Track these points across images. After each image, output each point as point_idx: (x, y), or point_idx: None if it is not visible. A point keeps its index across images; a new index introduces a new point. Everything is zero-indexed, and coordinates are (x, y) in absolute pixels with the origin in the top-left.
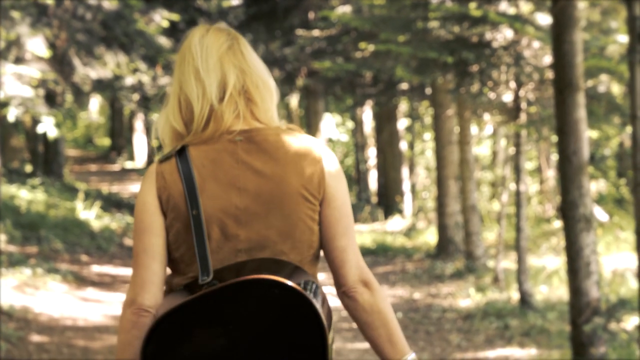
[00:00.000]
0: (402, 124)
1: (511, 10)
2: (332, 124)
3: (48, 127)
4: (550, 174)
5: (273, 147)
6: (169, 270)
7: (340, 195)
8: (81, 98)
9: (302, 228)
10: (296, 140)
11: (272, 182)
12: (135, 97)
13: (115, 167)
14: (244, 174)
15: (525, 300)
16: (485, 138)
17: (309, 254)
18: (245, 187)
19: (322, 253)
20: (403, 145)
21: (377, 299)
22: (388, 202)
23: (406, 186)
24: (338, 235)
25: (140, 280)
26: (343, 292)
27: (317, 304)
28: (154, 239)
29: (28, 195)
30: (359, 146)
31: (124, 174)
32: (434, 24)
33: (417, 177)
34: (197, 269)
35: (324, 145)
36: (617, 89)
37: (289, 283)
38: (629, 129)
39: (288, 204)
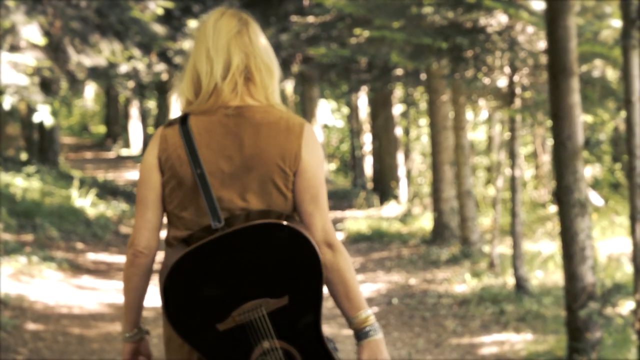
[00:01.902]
0: (398, 109)
1: None
2: (327, 110)
3: (44, 115)
4: (546, 159)
5: (259, 122)
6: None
7: (313, 169)
8: (76, 86)
9: (276, 194)
10: (281, 118)
11: (254, 152)
12: (131, 84)
13: (111, 154)
14: (231, 143)
15: (520, 286)
16: (480, 123)
17: (284, 214)
18: (231, 154)
19: None
20: (398, 131)
21: (338, 259)
22: (383, 188)
23: (401, 172)
24: (305, 201)
25: (137, 226)
26: None
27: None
28: (149, 192)
29: (23, 183)
30: (354, 132)
31: (120, 162)
32: (428, 10)
33: (413, 163)
34: (188, 222)
35: (306, 123)
36: (611, 74)
37: (291, 225)
38: (623, 114)
39: (266, 172)
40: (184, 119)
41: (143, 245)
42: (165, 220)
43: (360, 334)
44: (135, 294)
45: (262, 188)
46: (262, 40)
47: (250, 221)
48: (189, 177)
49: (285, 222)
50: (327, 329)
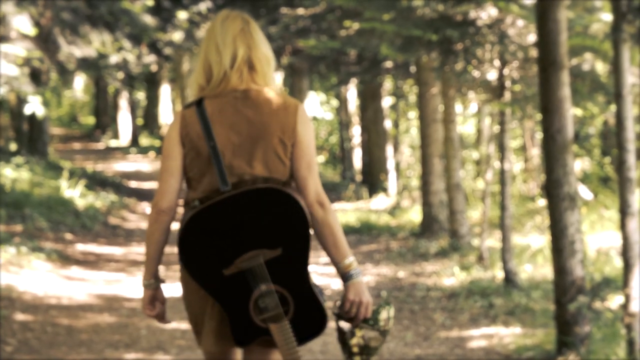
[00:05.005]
0: (387, 102)
1: None
2: (316, 102)
3: (35, 106)
4: (535, 152)
5: (262, 102)
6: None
7: (307, 140)
8: (66, 76)
9: (277, 162)
10: (279, 98)
11: (259, 127)
12: (120, 75)
13: (100, 145)
14: (239, 120)
15: (509, 279)
16: (469, 116)
17: (282, 180)
18: (240, 130)
19: None
20: (387, 124)
21: (327, 215)
22: (372, 181)
23: (390, 164)
24: (301, 168)
25: (161, 190)
26: None
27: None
28: (172, 162)
29: (12, 174)
30: (344, 124)
31: (109, 153)
32: (418, 2)
33: (402, 156)
34: (205, 186)
35: (300, 104)
36: (601, 68)
37: (286, 189)
38: (613, 108)
39: (268, 143)
40: (199, 102)
41: (166, 206)
42: (184, 185)
43: (346, 277)
44: (156, 247)
45: (266, 157)
46: (261, 36)
47: (254, 185)
48: (205, 149)
49: (280, 187)
50: None
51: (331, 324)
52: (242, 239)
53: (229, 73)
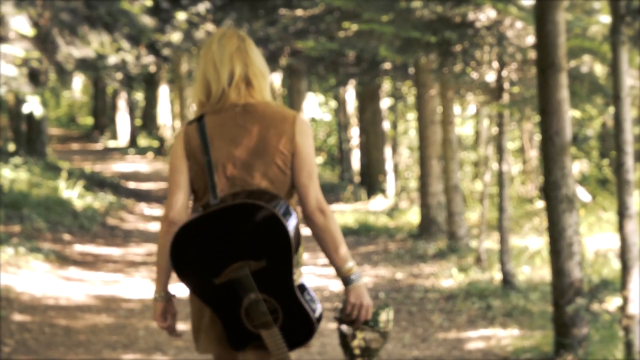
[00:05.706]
0: (385, 103)
1: None
2: (315, 104)
3: (34, 106)
4: (533, 154)
5: (261, 115)
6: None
7: (306, 150)
8: (64, 77)
9: (277, 172)
10: (277, 111)
11: (259, 139)
12: (119, 76)
13: (98, 146)
14: (240, 133)
15: (507, 281)
16: (468, 118)
17: (284, 190)
18: (240, 142)
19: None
20: (386, 125)
21: (328, 221)
22: (371, 182)
23: (389, 166)
24: (301, 177)
25: (171, 203)
26: (306, 216)
27: (286, 221)
28: (180, 176)
29: (11, 174)
30: (342, 126)
31: (107, 153)
32: (417, 4)
33: (400, 157)
34: (208, 196)
35: (298, 114)
36: (599, 70)
37: (267, 205)
38: (611, 110)
39: (268, 155)
40: (200, 118)
41: (177, 218)
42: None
43: (347, 280)
44: (167, 259)
45: (267, 167)
46: (256, 52)
47: (251, 199)
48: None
49: (258, 202)
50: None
51: (328, 326)
52: (228, 250)
53: (227, 90)
